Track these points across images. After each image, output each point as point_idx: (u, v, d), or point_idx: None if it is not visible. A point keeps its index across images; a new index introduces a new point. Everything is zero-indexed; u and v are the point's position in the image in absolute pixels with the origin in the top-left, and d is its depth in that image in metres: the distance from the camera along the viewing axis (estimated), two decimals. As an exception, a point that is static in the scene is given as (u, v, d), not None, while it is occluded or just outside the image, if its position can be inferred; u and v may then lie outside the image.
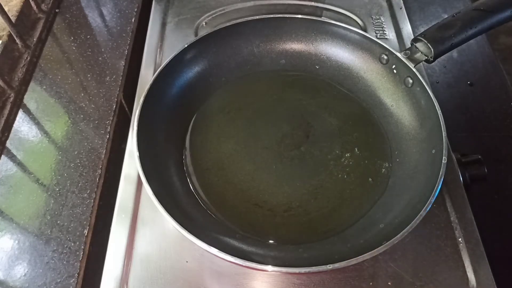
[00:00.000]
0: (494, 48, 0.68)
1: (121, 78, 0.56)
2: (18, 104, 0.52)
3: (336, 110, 0.53)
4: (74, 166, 0.47)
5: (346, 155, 0.49)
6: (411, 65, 0.48)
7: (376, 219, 0.43)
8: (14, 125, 0.50)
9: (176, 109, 0.51)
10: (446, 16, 0.49)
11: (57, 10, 0.63)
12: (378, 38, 0.52)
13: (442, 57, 0.48)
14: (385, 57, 0.51)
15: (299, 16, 0.55)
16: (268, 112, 0.53)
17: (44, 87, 0.54)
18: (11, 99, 0.51)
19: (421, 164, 0.45)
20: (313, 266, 0.35)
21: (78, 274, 0.40)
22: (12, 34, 0.54)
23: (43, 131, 0.50)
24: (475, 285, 0.41)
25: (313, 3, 0.66)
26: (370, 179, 0.47)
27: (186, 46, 0.50)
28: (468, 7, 0.48)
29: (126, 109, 0.58)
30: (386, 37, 0.61)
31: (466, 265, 0.42)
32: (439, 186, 0.39)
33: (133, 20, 0.63)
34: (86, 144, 0.49)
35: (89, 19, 0.63)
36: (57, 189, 0.46)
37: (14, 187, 0.45)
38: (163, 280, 0.41)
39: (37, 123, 0.51)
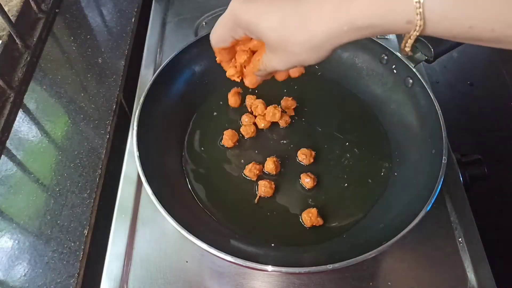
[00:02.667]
0: (494, 48, 0.68)
1: (121, 78, 0.56)
2: (18, 104, 0.52)
3: (337, 110, 0.53)
4: (74, 166, 0.47)
5: (346, 155, 0.49)
6: (411, 65, 0.48)
7: (376, 219, 0.43)
8: (14, 125, 0.50)
9: (175, 109, 0.51)
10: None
11: (57, 10, 0.63)
12: (378, 38, 0.52)
13: (442, 57, 0.48)
14: (385, 57, 0.51)
15: (299, 16, 0.54)
16: (268, 112, 0.53)
17: (44, 87, 0.54)
18: (11, 99, 0.51)
19: (421, 164, 0.45)
20: (313, 266, 0.35)
21: (78, 274, 0.40)
22: (12, 34, 0.54)
23: (43, 131, 0.50)
24: (475, 285, 0.41)
25: (313, 3, 0.65)
26: (370, 179, 0.47)
27: (186, 46, 0.50)
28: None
29: (126, 109, 0.58)
30: (386, 37, 0.61)
31: (466, 265, 0.42)
32: (439, 186, 0.39)
33: (133, 20, 0.63)
34: (86, 144, 0.49)
35: (89, 19, 0.63)
36: (57, 189, 0.46)
37: (14, 187, 0.45)
38: (163, 280, 0.41)
39: (37, 123, 0.51)
